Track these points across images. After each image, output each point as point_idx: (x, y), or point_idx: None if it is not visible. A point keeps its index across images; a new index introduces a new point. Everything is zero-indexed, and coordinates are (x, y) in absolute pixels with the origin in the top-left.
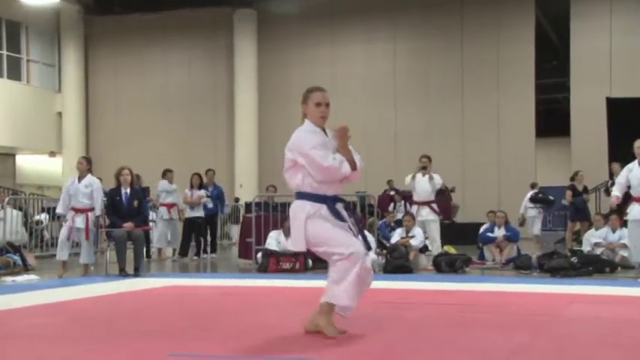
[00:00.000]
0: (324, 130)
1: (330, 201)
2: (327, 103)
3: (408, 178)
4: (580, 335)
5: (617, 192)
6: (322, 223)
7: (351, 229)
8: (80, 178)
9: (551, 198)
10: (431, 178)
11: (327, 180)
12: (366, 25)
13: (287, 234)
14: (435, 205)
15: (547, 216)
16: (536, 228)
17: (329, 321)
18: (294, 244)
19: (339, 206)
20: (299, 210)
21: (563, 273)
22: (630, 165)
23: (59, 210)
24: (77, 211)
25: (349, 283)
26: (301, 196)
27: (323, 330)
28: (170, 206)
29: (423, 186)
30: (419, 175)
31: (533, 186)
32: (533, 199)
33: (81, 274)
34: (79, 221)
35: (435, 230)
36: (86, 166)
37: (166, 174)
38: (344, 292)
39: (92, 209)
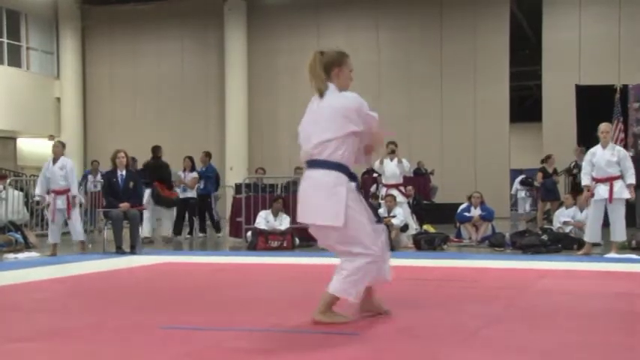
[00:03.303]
0: None
1: (355, 179)
2: None
3: (377, 163)
4: (549, 307)
5: (587, 181)
6: (359, 204)
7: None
8: (55, 161)
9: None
10: (400, 162)
11: (374, 145)
12: (350, 16)
13: (275, 214)
14: (402, 188)
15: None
16: (527, 207)
17: (328, 309)
18: (331, 218)
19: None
20: (338, 182)
21: (534, 250)
22: (593, 149)
23: (37, 192)
24: (57, 193)
25: (364, 283)
26: (337, 167)
27: (322, 319)
28: None
29: (390, 170)
30: (387, 160)
31: (521, 171)
32: (522, 183)
33: (77, 251)
34: (60, 202)
35: (405, 211)
36: (61, 149)
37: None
38: (356, 292)
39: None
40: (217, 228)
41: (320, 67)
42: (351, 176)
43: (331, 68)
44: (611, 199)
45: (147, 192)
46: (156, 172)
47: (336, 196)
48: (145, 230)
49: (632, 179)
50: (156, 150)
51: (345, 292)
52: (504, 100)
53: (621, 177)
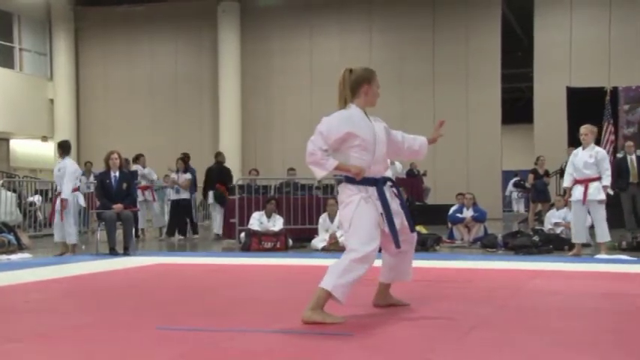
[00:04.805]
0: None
1: (380, 184)
2: None
3: None
4: (540, 307)
5: (567, 183)
6: (366, 211)
7: (385, 217)
8: (59, 162)
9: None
10: (392, 164)
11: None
12: (342, 17)
13: (269, 215)
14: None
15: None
16: (520, 207)
17: (319, 307)
18: (342, 223)
19: (387, 187)
20: (350, 193)
21: (526, 251)
22: (575, 150)
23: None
24: (58, 194)
25: (351, 281)
26: (347, 180)
27: (311, 316)
28: (144, 188)
29: None
30: None
31: (516, 174)
32: (515, 185)
33: (69, 253)
34: (58, 203)
35: None
36: (59, 150)
37: (139, 158)
38: (342, 287)
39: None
40: (195, 230)
41: (348, 86)
42: (372, 182)
43: (361, 85)
44: (584, 200)
45: (210, 193)
46: (219, 176)
47: (342, 203)
48: (215, 228)
49: (606, 181)
50: (218, 155)
51: (325, 283)
52: (496, 101)
53: (599, 178)
